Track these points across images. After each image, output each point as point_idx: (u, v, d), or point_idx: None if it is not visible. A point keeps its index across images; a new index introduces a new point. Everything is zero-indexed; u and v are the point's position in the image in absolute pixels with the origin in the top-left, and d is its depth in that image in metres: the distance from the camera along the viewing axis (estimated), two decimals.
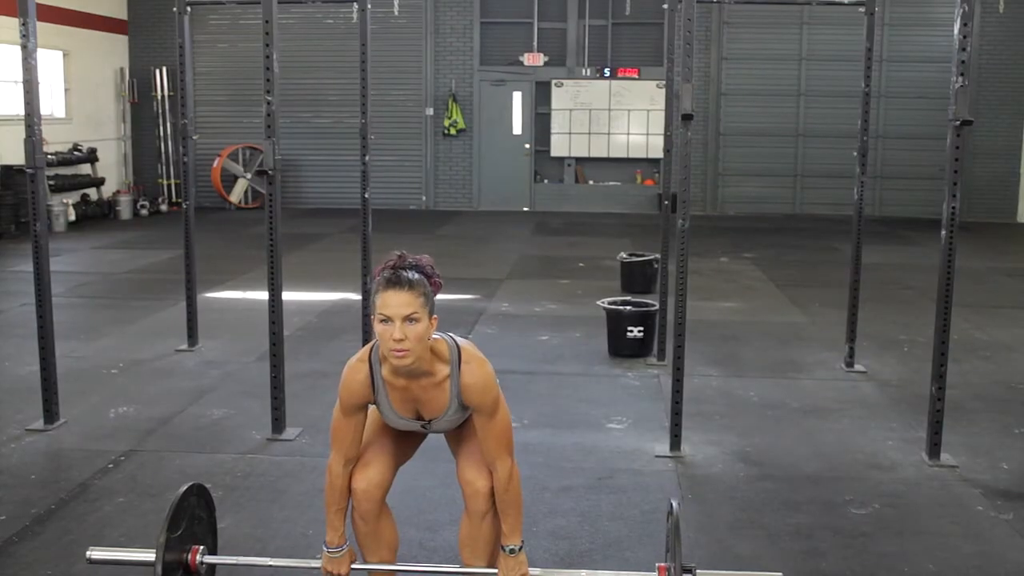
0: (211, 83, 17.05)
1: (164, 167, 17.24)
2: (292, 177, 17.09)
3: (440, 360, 3.06)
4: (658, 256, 7.87)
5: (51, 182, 14.25)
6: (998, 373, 6.92)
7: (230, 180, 16.95)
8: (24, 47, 5.23)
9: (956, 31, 4.77)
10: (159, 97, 17.08)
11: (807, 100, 17.08)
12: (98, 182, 15.82)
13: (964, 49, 4.76)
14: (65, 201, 14.54)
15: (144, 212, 16.25)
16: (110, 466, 4.91)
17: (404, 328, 2.88)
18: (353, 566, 3.22)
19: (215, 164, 16.55)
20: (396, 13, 11.90)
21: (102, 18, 16.63)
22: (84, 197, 15.49)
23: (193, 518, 3.31)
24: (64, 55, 15.56)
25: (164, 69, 16.97)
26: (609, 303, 7.39)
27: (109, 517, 4.31)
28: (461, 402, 3.09)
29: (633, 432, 5.58)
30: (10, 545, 4.02)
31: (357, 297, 7.81)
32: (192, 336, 7.32)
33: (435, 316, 2.99)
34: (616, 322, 7.21)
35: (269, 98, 5.18)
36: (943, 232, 4.99)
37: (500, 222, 15.84)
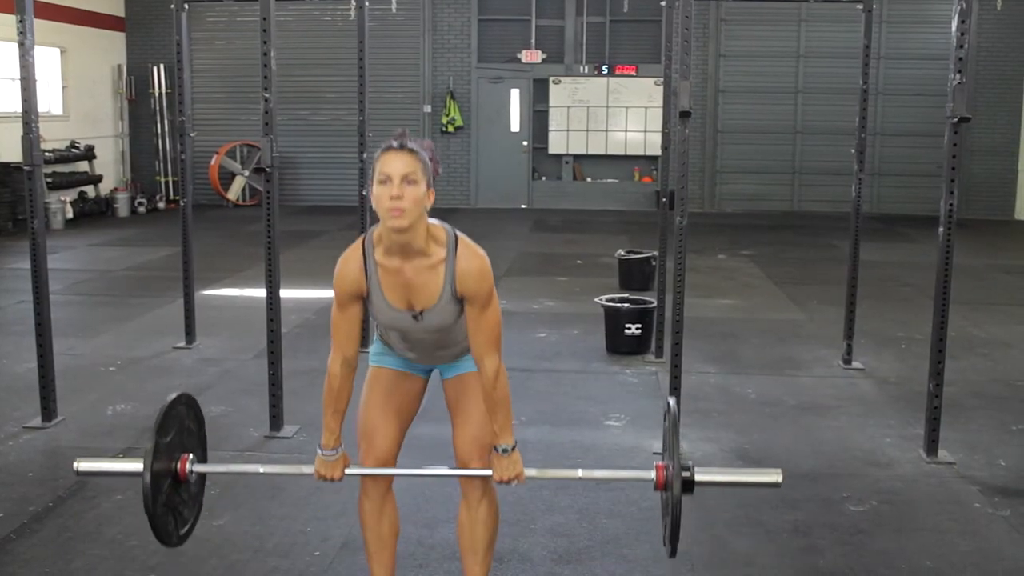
0: (209, 80, 17.03)
1: (162, 164, 17.23)
2: (290, 174, 17.08)
3: (436, 242, 3.03)
4: (656, 253, 7.87)
5: (48, 179, 14.23)
6: (996, 370, 6.93)
7: (228, 177, 16.94)
8: (21, 44, 5.22)
9: (954, 28, 4.77)
10: (157, 94, 17.06)
11: (805, 97, 17.09)
12: (96, 179, 15.81)
13: (962, 46, 4.76)
14: (63, 198, 14.53)
15: (142, 209, 16.24)
16: None
17: (402, 187, 2.87)
18: (347, 470, 3.19)
19: (213, 161, 16.53)
20: (394, 10, 11.92)
21: (100, 15, 16.61)
22: (82, 194, 15.49)
23: (183, 429, 3.23)
24: (62, 52, 15.54)
25: (162, 66, 16.94)
26: (607, 300, 7.39)
27: (107, 514, 4.30)
28: (454, 289, 3.03)
29: (631, 429, 5.58)
30: (8, 543, 4.02)
31: None
32: (190, 334, 7.32)
33: (433, 189, 2.98)
34: (614, 319, 7.21)
35: (267, 95, 5.18)
36: (941, 229, 4.99)
37: (498, 219, 15.83)
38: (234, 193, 16.98)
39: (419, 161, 2.92)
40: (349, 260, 3.09)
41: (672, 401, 3.20)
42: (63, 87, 15.63)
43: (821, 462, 5.10)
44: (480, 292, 3.03)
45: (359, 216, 7.08)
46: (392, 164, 2.89)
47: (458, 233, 3.08)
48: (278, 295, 5.40)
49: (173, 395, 3.23)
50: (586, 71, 17.25)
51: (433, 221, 3.03)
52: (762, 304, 9.28)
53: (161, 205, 16.83)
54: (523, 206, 17.54)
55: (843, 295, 6.96)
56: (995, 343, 7.72)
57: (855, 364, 6.92)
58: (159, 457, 3.06)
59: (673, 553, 2.98)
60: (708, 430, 5.54)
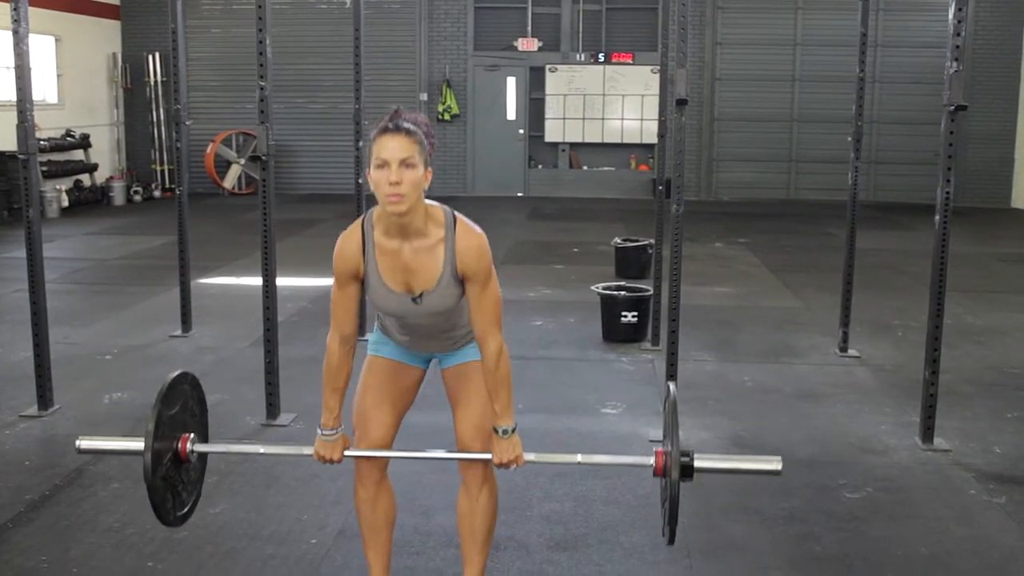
0: (204, 68, 16.98)
1: (157, 153, 17.19)
2: (286, 163, 17.06)
3: (434, 223, 3.03)
4: (652, 241, 7.87)
5: (44, 168, 14.18)
6: (991, 358, 6.94)
7: (224, 166, 16.91)
8: (16, 32, 5.21)
9: (951, 16, 4.77)
10: (152, 83, 17.02)
11: (802, 85, 17.07)
12: (91, 168, 15.77)
13: (959, 34, 4.76)
14: (58, 187, 14.50)
15: (137, 198, 16.21)
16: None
17: (400, 172, 2.87)
18: (346, 452, 3.19)
19: (209, 150, 16.51)
20: None
21: (94, 3, 16.56)
22: (77, 183, 15.46)
23: (185, 408, 3.21)
24: (56, 40, 15.48)
25: (157, 54, 16.90)
26: (603, 288, 7.39)
27: (104, 503, 4.31)
28: (454, 269, 3.03)
29: (627, 417, 5.59)
30: (4, 531, 4.03)
31: None
32: (186, 322, 7.32)
33: (430, 168, 2.98)
34: (610, 307, 7.21)
35: (262, 83, 5.17)
36: (937, 217, 4.99)
37: (494, 207, 15.82)
38: (230, 181, 16.95)
39: (416, 143, 2.91)
40: (348, 239, 3.09)
41: (671, 386, 3.20)
42: (58, 75, 15.57)
43: (817, 449, 5.11)
44: (480, 270, 3.03)
45: (355, 204, 7.06)
46: (389, 148, 2.89)
47: (456, 213, 3.09)
48: (274, 283, 5.40)
49: (177, 372, 3.21)
50: (582, 59, 17.22)
51: (431, 203, 3.03)
52: (758, 292, 9.29)
53: (157, 193, 16.80)
54: (519, 194, 17.53)
55: (839, 283, 6.96)
56: (991, 331, 7.73)
57: (851, 352, 6.93)
58: (161, 431, 3.04)
59: (672, 539, 2.98)
60: (704, 418, 5.55)
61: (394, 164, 2.87)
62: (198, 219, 11.12)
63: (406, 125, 2.93)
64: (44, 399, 5.51)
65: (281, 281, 5.72)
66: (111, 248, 11.53)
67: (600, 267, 10.05)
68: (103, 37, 16.88)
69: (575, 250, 11.65)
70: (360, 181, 6.69)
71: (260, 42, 5.14)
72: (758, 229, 13.66)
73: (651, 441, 5.13)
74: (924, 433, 5.13)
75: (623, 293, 7.25)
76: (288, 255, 9.44)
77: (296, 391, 5.76)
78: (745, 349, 7.16)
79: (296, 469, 4.71)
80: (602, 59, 17.16)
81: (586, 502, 4.38)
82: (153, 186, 16.86)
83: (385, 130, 2.93)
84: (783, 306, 8.66)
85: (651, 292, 7.20)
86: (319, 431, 3.17)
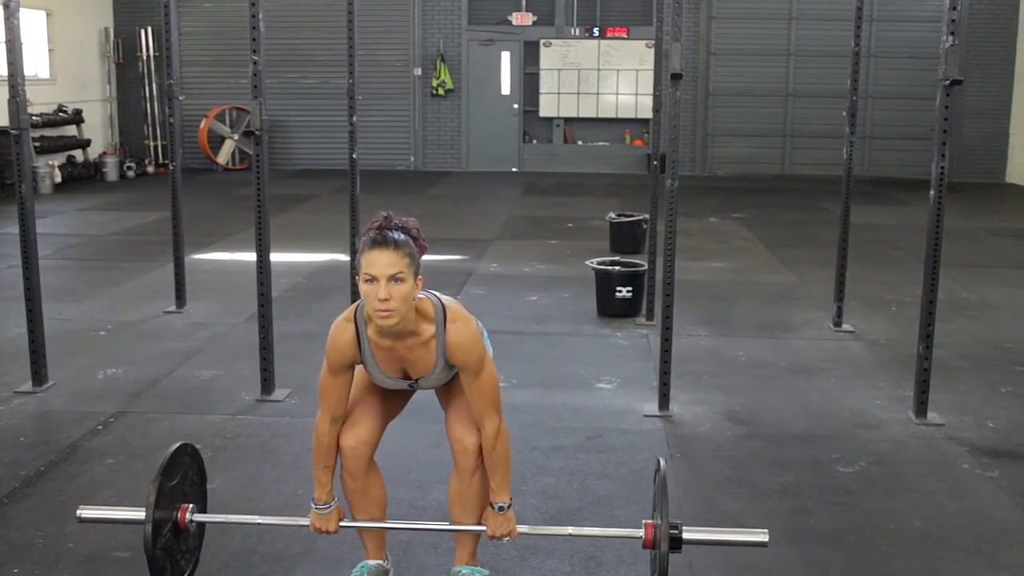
0: (197, 43, 16.88)
1: (150, 128, 17.11)
2: (279, 138, 16.99)
3: (425, 320, 3.06)
4: (647, 216, 7.86)
5: (36, 144, 14.12)
6: (985, 332, 6.96)
7: (217, 141, 16.85)
8: (6, 6, 5.16)
9: None
10: (144, 57, 16.91)
11: (797, 60, 17.02)
12: (84, 143, 15.70)
13: (954, 8, 4.74)
14: (51, 163, 14.45)
15: (131, 174, 16.15)
16: (99, 428, 4.91)
17: (389, 288, 2.88)
18: (341, 523, 3.24)
19: (202, 125, 16.43)
20: None
21: None
22: (70, 159, 15.38)
23: (185, 478, 3.31)
24: (47, 15, 15.37)
25: (149, 29, 16.78)
26: (598, 263, 7.39)
27: (99, 478, 4.31)
28: (447, 361, 3.09)
29: (622, 392, 5.60)
30: (0, 506, 4.03)
31: (345, 258, 7.80)
32: (180, 298, 7.31)
33: (420, 277, 2.99)
34: (605, 282, 7.21)
35: (255, 58, 5.14)
36: (932, 192, 4.99)
37: (489, 183, 15.79)
38: (223, 157, 16.89)
39: (405, 255, 2.92)
40: (342, 331, 3.10)
41: (662, 461, 3.26)
42: (49, 50, 15.46)
43: (811, 424, 5.12)
44: (471, 361, 3.07)
45: (348, 180, 7.04)
46: (378, 265, 2.89)
47: (445, 303, 3.11)
48: (268, 259, 5.39)
49: (176, 445, 3.29)
50: (577, 33, 17.15)
51: (420, 295, 3.05)
52: (753, 267, 9.29)
53: (150, 169, 16.74)
54: (514, 169, 17.49)
55: (834, 258, 6.96)
56: (985, 306, 7.75)
57: (845, 327, 6.94)
58: (161, 502, 3.13)
59: None
60: (699, 392, 5.56)
61: (383, 280, 2.88)
62: (192, 195, 11.08)
63: (394, 236, 2.93)
64: (38, 375, 5.50)
65: (275, 256, 5.71)
66: (104, 224, 11.50)
67: (595, 242, 10.04)
68: (95, 11, 16.76)
69: (570, 225, 11.64)
70: (354, 156, 6.65)
71: (253, 16, 5.11)
72: (753, 204, 13.65)
73: (645, 416, 5.15)
74: (918, 407, 5.15)
75: (618, 268, 7.25)
76: (282, 230, 9.42)
77: (290, 366, 5.76)
78: (739, 324, 7.17)
79: (291, 444, 4.72)
80: (597, 33, 17.09)
81: (580, 476, 4.39)
82: (146, 162, 16.79)
83: (374, 243, 2.92)
84: (777, 281, 8.67)
85: (646, 267, 7.20)
86: (313, 505, 3.22)
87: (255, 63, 5.14)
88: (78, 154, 15.66)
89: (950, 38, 4.76)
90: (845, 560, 3.67)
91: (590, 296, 7.43)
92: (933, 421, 5.10)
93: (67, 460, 4.51)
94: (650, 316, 7.05)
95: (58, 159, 14.89)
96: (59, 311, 7.08)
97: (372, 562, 3.36)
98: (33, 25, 14.98)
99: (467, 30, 17.25)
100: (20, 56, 5.25)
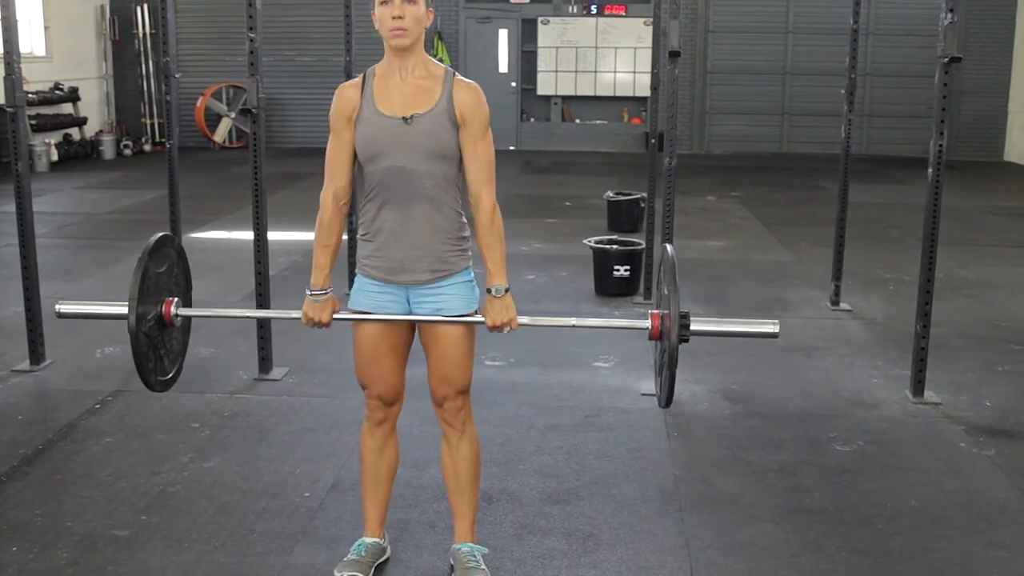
0: (194, 20, 16.76)
1: (147, 106, 17.06)
2: (277, 116, 16.94)
3: (435, 67, 3.13)
4: (645, 195, 7.84)
5: (32, 122, 14.06)
6: (983, 311, 6.96)
7: (214, 119, 16.79)
8: None
9: None
10: (141, 35, 16.84)
11: (795, 37, 16.95)
12: (80, 122, 15.64)
13: None
14: (47, 141, 14.40)
15: (127, 152, 16.11)
16: (97, 406, 4.91)
17: (403, 7, 3.00)
18: (335, 315, 3.17)
19: (199, 103, 16.37)
20: None
21: None
22: (66, 137, 15.34)
23: (171, 274, 3.18)
24: None
25: (145, 6, 16.69)
26: (596, 242, 7.38)
27: (97, 456, 4.32)
28: (451, 107, 3.05)
29: (620, 371, 5.60)
30: None
31: (343, 236, 7.78)
32: None
33: (431, 9, 3.11)
34: (603, 261, 7.21)
35: (252, 35, 5.12)
36: (930, 170, 4.98)
37: None
38: (220, 135, 16.85)
39: None
40: (348, 83, 3.23)
41: (668, 247, 3.26)
42: (45, 27, 15.38)
43: (808, 403, 5.13)
44: (477, 116, 3.06)
45: None
46: None
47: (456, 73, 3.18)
48: (265, 237, 5.38)
49: (157, 235, 3.19)
50: (575, 11, 17.07)
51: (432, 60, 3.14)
52: (750, 245, 9.29)
53: (147, 147, 16.70)
54: (511, 148, 17.44)
55: (831, 237, 6.96)
56: (982, 284, 7.75)
57: (843, 305, 6.94)
58: (147, 285, 3.04)
59: (668, 403, 3.14)
60: (696, 371, 5.56)
61: (397, 0, 2.99)
62: (189, 173, 11.05)
63: None
64: (36, 354, 5.50)
65: (272, 235, 5.70)
66: (101, 202, 11.48)
67: (592, 221, 10.03)
68: None
69: (567, 204, 11.62)
70: None
71: None
72: (750, 182, 13.63)
73: (643, 395, 5.15)
74: (915, 386, 5.15)
75: (615, 247, 7.24)
76: (279, 209, 9.40)
77: (288, 345, 5.76)
78: (737, 302, 7.17)
79: (289, 423, 4.73)
80: (594, 11, 17.02)
81: (578, 455, 4.40)
82: (143, 140, 16.75)
83: None
84: (775, 260, 8.67)
85: (643, 246, 7.19)
86: (308, 292, 3.14)
87: (252, 40, 5.11)
88: (74, 132, 15.60)
89: (949, 15, 4.74)
90: (842, 538, 3.68)
91: (588, 275, 7.43)
92: (930, 400, 5.11)
93: (65, 439, 4.51)
94: (648, 295, 7.04)
95: (54, 137, 14.84)
96: (56, 290, 7.07)
97: (369, 540, 3.36)
98: (29, 2, 14.90)
99: (464, 7, 17.18)
100: (16, 33, 5.23)
